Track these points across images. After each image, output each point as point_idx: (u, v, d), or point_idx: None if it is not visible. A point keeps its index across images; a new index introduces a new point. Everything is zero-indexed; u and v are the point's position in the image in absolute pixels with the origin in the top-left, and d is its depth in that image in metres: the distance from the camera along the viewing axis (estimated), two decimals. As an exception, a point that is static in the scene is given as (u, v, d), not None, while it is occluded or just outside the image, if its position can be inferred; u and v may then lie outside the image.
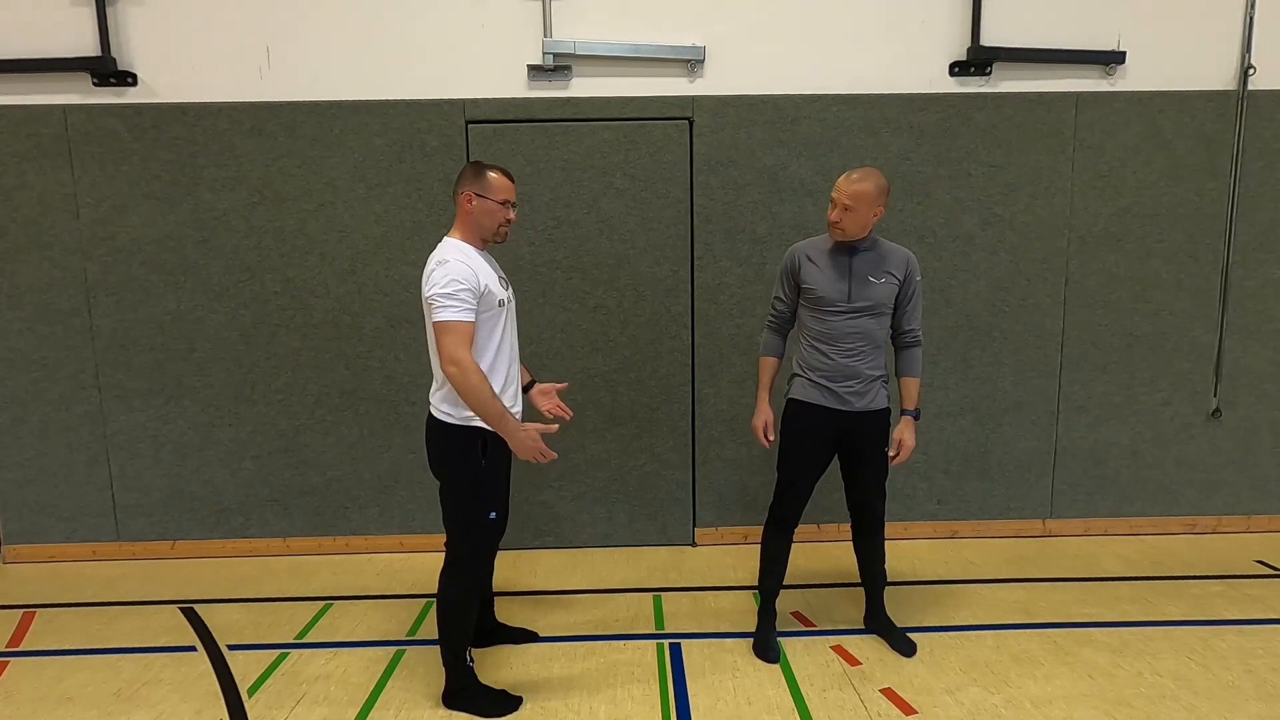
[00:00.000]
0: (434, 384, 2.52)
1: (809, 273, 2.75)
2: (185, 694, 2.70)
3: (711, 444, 3.89)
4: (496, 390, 2.39)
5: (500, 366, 2.47)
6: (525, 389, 2.74)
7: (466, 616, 2.55)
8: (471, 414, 2.40)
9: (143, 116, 3.59)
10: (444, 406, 2.46)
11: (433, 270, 2.36)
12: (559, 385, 2.86)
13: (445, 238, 2.49)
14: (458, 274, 2.32)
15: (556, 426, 2.54)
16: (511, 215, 2.52)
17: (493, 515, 2.49)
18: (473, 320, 2.34)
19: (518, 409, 2.55)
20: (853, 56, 3.68)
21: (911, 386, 2.83)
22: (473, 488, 2.47)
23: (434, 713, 2.56)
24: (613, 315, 3.79)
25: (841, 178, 2.65)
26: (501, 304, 2.46)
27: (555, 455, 2.46)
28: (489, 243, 2.53)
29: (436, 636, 2.56)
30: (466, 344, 2.32)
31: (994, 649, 2.91)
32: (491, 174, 2.46)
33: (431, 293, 2.32)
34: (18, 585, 3.64)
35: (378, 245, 3.71)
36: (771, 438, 2.91)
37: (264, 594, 3.49)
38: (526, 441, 2.40)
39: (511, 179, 2.52)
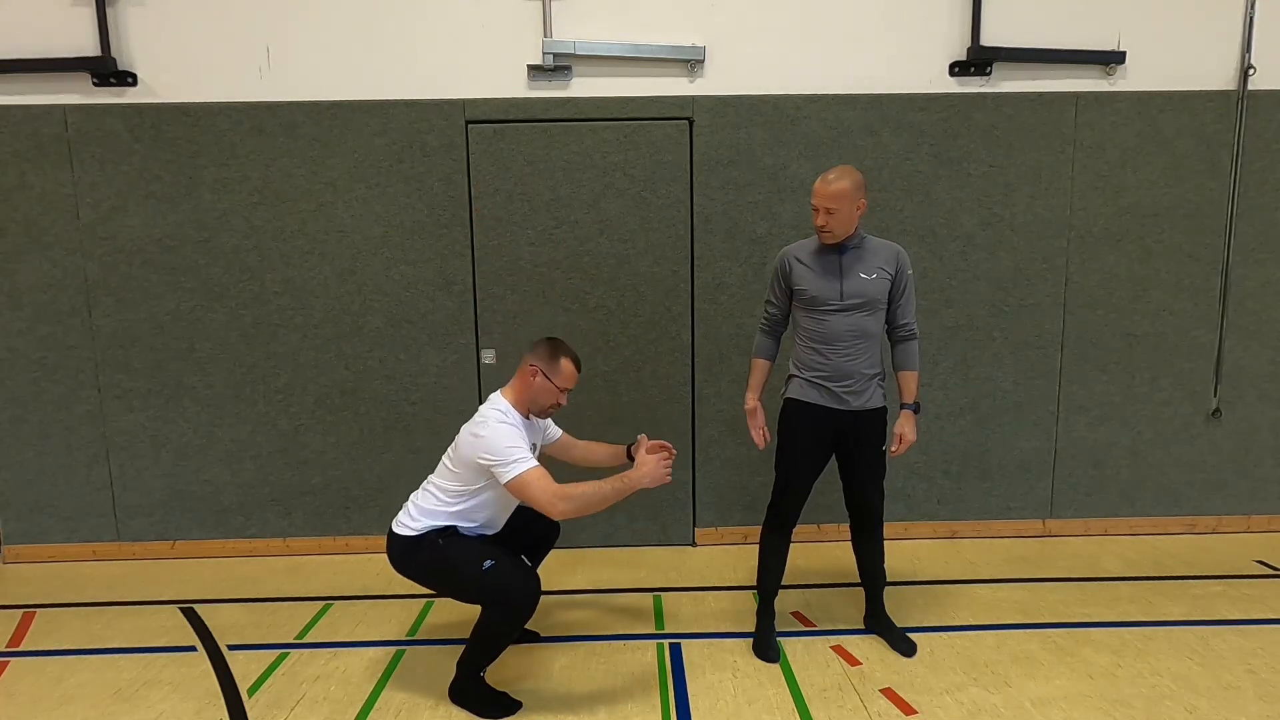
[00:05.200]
0: (405, 507, 2.65)
1: (800, 274, 2.76)
2: (185, 694, 2.70)
3: (711, 444, 3.89)
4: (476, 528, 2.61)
5: (480, 516, 2.60)
6: (629, 455, 2.84)
7: (502, 643, 2.56)
8: (423, 524, 2.55)
9: (143, 116, 3.59)
10: (406, 523, 2.58)
11: (484, 436, 2.46)
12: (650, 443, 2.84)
13: (496, 394, 2.62)
14: (509, 437, 2.45)
15: (663, 443, 2.65)
16: (564, 401, 2.64)
17: (488, 564, 2.49)
18: (536, 464, 2.45)
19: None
20: (853, 56, 3.68)
21: (910, 380, 2.84)
22: (457, 565, 2.52)
23: (434, 713, 2.56)
24: (613, 315, 3.79)
25: (817, 182, 2.66)
26: None
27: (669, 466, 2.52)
28: (533, 414, 2.62)
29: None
30: (550, 481, 2.41)
31: (994, 649, 2.91)
32: (565, 361, 2.59)
33: (493, 461, 2.43)
34: (18, 585, 3.64)
35: (378, 245, 3.71)
36: (765, 434, 2.91)
37: (264, 594, 3.49)
38: (650, 472, 2.45)
39: (579, 369, 2.64)
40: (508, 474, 2.41)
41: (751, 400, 2.92)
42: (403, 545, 2.58)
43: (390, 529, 2.63)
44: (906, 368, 2.84)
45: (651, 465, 2.46)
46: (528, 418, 2.62)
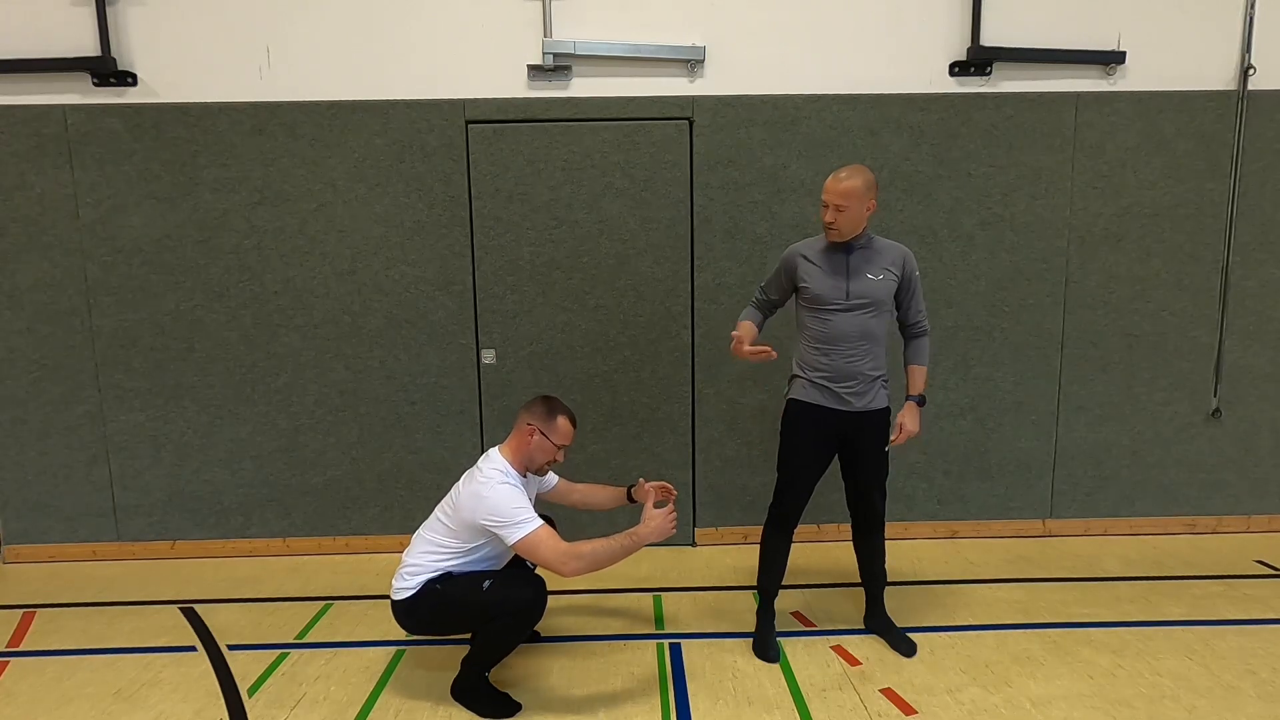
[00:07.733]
0: (399, 571, 2.62)
1: (807, 271, 2.75)
2: (185, 694, 2.70)
3: (711, 444, 3.89)
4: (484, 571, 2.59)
5: (479, 567, 2.59)
6: (630, 498, 2.90)
7: (509, 645, 2.57)
8: (418, 581, 2.54)
9: (143, 116, 3.59)
10: (402, 586, 2.57)
11: (487, 498, 2.46)
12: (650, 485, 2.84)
13: (494, 452, 2.62)
14: (513, 498, 2.47)
15: (664, 485, 2.78)
16: (560, 458, 2.64)
17: (487, 583, 2.51)
18: (542, 522, 2.45)
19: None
20: (853, 56, 3.68)
21: (918, 374, 2.86)
22: (458, 598, 2.52)
23: (434, 713, 2.56)
24: (613, 315, 3.79)
25: (829, 179, 2.66)
26: None
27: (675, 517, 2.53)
28: (529, 471, 2.63)
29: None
30: (558, 540, 2.43)
31: (994, 649, 2.91)
32: (562, 419, 2.61)
33: (499, 523, 2.43)
34: (18, 585, 3.64)
35: (378, 245, 3.71)
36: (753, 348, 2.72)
37: (264, 594, 3.49)
38: (657, 527, 2.46)
39: (575, 425, 2.66)
40: (515, 535, 2.41)
41: (735, 332, 2.77)
42: (404, 608, 2.57)
43: (391, 597, 2.61)
44: (915, 362, 2.86)
45: (659, 520, 2.47)
46: (524, 475, 2.62)
